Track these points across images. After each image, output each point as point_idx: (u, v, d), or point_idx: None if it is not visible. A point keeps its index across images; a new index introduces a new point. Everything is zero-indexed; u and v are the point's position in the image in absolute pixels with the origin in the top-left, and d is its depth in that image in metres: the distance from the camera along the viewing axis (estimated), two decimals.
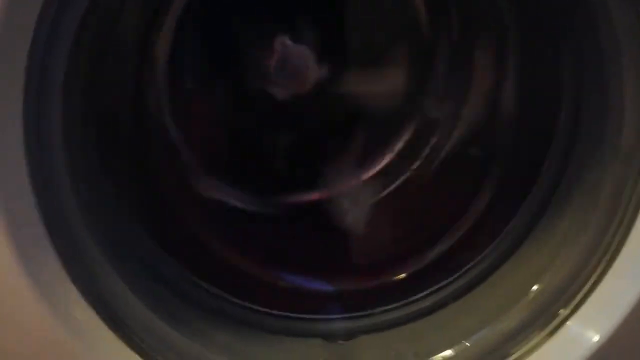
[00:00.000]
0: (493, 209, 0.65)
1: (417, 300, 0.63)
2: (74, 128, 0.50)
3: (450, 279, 0.63)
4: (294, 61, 0.69)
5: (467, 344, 0.57)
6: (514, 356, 0.55)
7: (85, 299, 0.48)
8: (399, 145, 0.74)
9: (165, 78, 0.69)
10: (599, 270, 0.53)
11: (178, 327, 0.53)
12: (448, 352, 0.57)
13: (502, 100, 0.67)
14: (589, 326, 0.52)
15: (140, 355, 0.50)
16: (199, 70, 0.72)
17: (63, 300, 0.47)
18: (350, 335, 0.62)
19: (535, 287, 0.56)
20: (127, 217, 0.59)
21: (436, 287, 0.63)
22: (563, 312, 0.53)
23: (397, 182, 0.72)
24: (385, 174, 0.73)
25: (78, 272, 0.48)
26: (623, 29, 0.51)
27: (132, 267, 0.55)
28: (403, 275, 0.66)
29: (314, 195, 0.73)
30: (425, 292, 0.63)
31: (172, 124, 0.70)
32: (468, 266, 0.62)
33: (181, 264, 0.61)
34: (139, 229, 0.60)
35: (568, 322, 0.53)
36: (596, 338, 0.51)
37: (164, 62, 0.69)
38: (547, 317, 0.54)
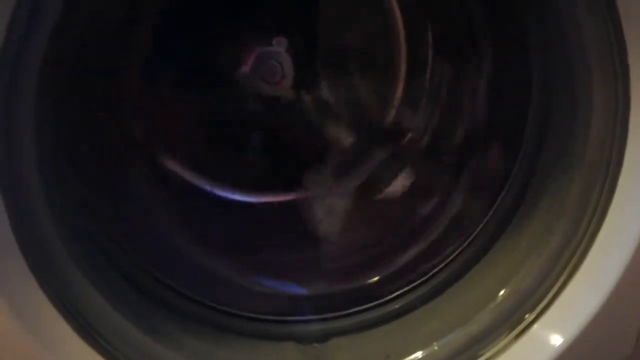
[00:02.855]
0: (462, 214, 0.66)
1: (389, 302, 0.64)
2: (45, 127, 0.49)
3: (421, 281, 0.64)
4: (270, 63, 0.69)
5: (436, 346, 0.58)
6: (482, 359, 0.56)
7: (55, 307, 0.47)
8: (374, 154, 0.74)
9: (141, 78, 0.69)
10: (564, 276, 0.54)
11: (148, 332, 0.53)
12: (418, 354, 0.58)
13: (473, 110, 0.68)
14: (553, 330, 0.53)
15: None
16: (176, 72, 0.72)
17: (32, 309, 0.47)
18: (324, 337, 0.62)
19: (502, 292, 0.57)
20: (97, 221, 0.59)
21: (407, 289, 0.64)
22: (529, 317, 0.54)
23: (372, 189, 0.73)
24: (360, 180, 0.74)
25: (47, 279, 0.48)
26: (591, 38, 0.52)
27: (103, 273, 0.55)
28: (375, 279, 0.67)
29: (288, 197, 0.73)
30: (396, 294, 0.64)
31: (146, 121, 0.70)
32: (437, 269, 0.63)
33: (152, 266, 0.61)
34: (110, 234, 0.59)
35: (534, 326, 0.54)
36: (560, 342, 0.52)
37: (140, 62, 0.69)
38: (513, 321, 0.55)
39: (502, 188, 0.62)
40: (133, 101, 0.69)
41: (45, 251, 0.49)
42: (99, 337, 0.50)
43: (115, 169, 0.67)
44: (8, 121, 0.45)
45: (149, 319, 0.56)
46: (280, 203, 0.74)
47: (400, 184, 0.72)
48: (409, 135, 0.73)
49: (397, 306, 0.63)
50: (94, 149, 0.63)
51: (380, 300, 0.64)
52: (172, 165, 0.72)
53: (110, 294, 0.53)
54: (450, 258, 0.63)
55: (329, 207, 0.71)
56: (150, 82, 0.70)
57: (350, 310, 0.64)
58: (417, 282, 0.64)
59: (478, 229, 0.62)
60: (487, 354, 0.56)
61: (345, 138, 0.75)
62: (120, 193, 0.66)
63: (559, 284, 0.54)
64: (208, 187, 0.73)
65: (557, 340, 0.52)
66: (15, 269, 0.46)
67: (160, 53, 0.70)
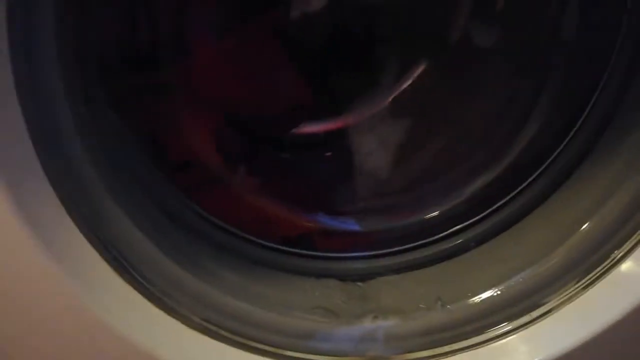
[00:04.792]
0: (539, 140, 0.60)
1: (444, 238, 0.59)
2: (68, 40, 0.45)
3: (480, 217, 0.58)
4: None
5: (499, 291, 0.52)
6: (546, 306, 0.50)
7: (86, 238, 0.44)
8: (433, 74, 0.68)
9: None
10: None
11: (187, 266, 0.50)
12: (476, 299, 0.52)
13: (560, 27, 0.61)
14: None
15: (146, 296, 0.47)
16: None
17: (63, 242, 0.43)
18: (368, 276, 0.58)
19: (585, 226, 0.51)
20: (131, 146, 0.55)
21: (465, 224, 0.59)
22: (617, 253, 0.49)
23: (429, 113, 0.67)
24: (417, 104, 0.68)
25: (78, 209, 0.44)
26: None
27: (139, 205, 0.51)
28: (436, 213, 0.62)
29: (338, 125, 0.68)
30: (453, 230, 0.59)
31: (179, 48, 0.65)
32: (507, 199, 0.58)
33: (193, 199, 0.57)
34: (148, 164, 0.56)
35: (622, 265, 0.48)
36: None
37: None
38: (598, 258, 0.49)
39: (580, 116, 0.56)
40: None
41: (74, 178, 0.45)
42: (130, 268, 0.47)
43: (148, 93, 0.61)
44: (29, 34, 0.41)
45: (183, 249, 0.53)
46: (327, 133, 0.68)
47: None
48: (481, 52, 0.66)
49: (455, 243, 0.58)
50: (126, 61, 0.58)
51: (435, 237, 0.59)
52: (212, 100, 0.66)
53: (144, 223, 0.49)
54: (518, 190, 0.57)
55: (381, 138, 0.65)
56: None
57: (399, 248, 0.59)
58: (477, 218, 0.58)
59: (556, 156, 0.57)
60: (554, 302, 0.50)
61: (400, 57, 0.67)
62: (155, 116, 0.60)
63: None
64: (251, 122, 0.67)
65: None
66: (43, 194, 0.43)
67: None
